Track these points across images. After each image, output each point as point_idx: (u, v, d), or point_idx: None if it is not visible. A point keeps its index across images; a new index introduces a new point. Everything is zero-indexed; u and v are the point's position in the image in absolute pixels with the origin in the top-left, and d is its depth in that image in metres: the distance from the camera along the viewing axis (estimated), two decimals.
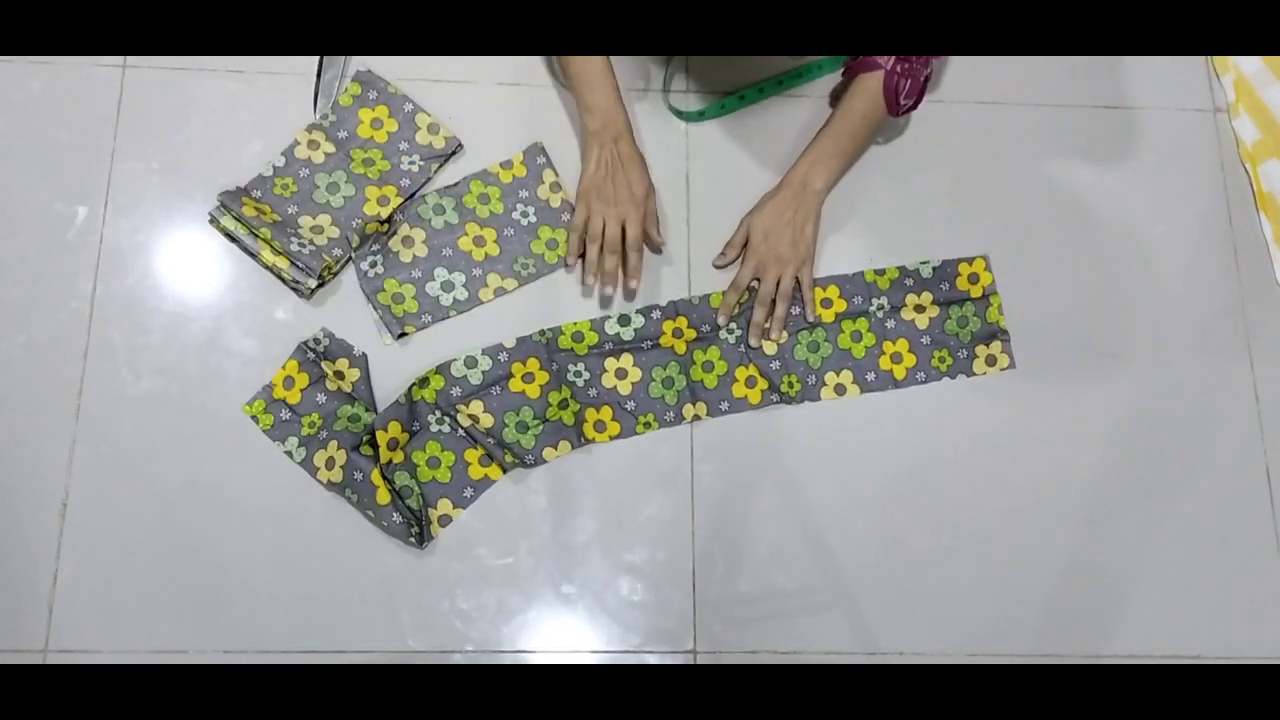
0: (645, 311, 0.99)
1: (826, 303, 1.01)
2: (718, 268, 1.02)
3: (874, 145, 1.07)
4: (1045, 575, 0.97)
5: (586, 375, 0.97)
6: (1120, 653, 0.96)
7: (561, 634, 0.92)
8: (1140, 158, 1.10)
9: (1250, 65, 1.13)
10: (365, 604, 0.91)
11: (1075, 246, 1.06)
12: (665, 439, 0.97)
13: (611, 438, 0.97)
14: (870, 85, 0.96)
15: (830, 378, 1.00)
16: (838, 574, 0.95)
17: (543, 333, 0.97)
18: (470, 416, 0.95)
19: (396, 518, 0.90)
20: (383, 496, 0.90)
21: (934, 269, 1.03)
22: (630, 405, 0.97)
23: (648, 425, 0.97)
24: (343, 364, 0.95)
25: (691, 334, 0.99)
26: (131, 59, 1.02)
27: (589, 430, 0.96)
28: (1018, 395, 1.02)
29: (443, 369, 0.95)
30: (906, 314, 1.02)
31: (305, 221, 0.98)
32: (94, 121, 1.00)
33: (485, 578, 0.92)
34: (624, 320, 0.99)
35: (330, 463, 0.92)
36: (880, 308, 1.02)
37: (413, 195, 1.01)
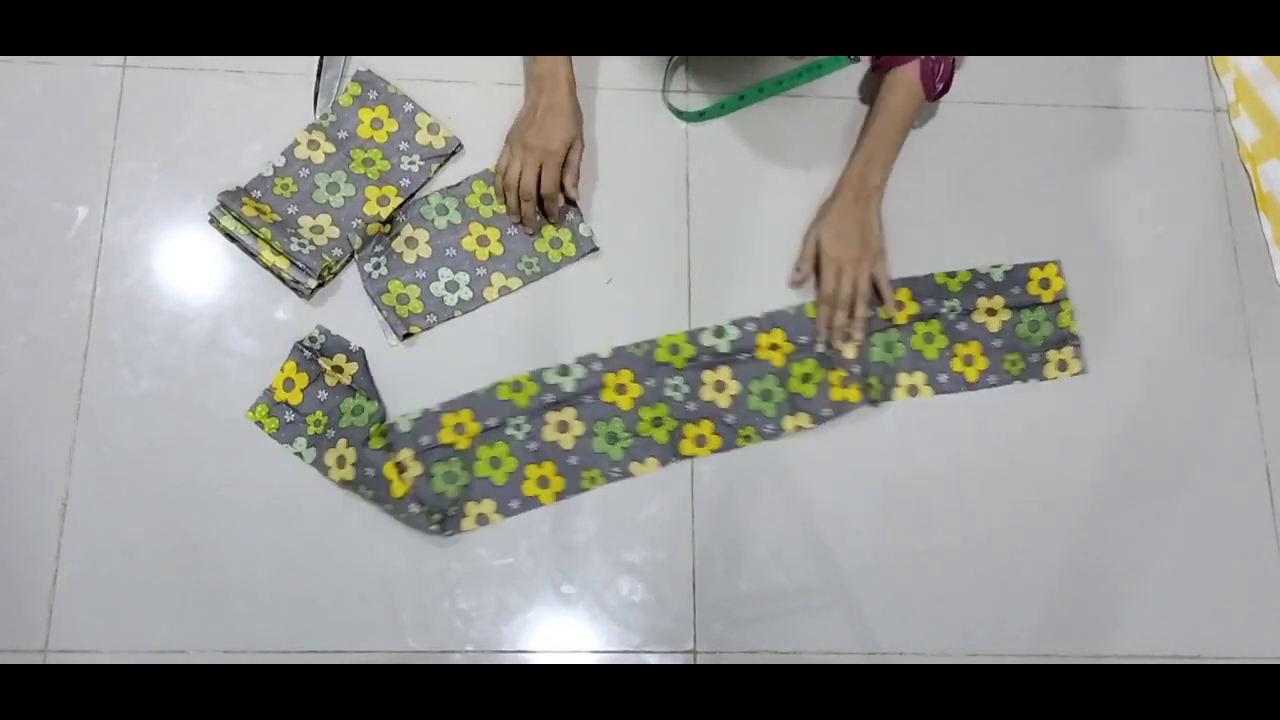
0: (740, 324, 0.99)
1: (899, 305, 1.01)
2: (795, 285, 1.01)
3: None
4: (1045, 575, 0.97)
5: (686, 389, 0.97)
6: (1120, 653, 0.96)
7: (561, 634, 0.92)
8: (1140, 158, 1.10)
9: (1250, 65, 1.13)
10: (365, 604, 0.91)
11: (1075, 247, 1.06)
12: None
13: (713, 451, 0.97)
14: (906, 77, 0.98)
15: (904, 379, 1.00)
16: (838, 574, 0.95)
17: (639, 345, 0.98)
18: (561, 424, 0.95)
19: (414, 508, 0.90)
20: (397, 489, 0.90)
21: (1005, 273, 1.03)
22: (730, 419, 0.97)
23: (748, 438, 0.97)
24: (340, 359, 0.95)
25: (789, 347, 0.99)
26: (131, 59, 1.02)
27: (688, 446, 0.96)
28: (1018, 396, 1.02)
29: (535, 375, 0.96)
30: (978, 317, 1.02)
31: (305, 221, 0.98)
32: (94, 121, 1.00)
33: (485, 578, 0.92)
34: (719, 332, 0.99)
35: (341, 461, 0.92)
36: (952, 310, 1.02)
37: (412, 195, 1.01)
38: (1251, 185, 1.10)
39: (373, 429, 0.92)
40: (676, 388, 0.97)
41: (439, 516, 0.91)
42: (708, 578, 0.94)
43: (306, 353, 0.94)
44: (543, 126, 0.95)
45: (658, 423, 0.96)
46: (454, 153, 1.02)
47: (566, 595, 0.93)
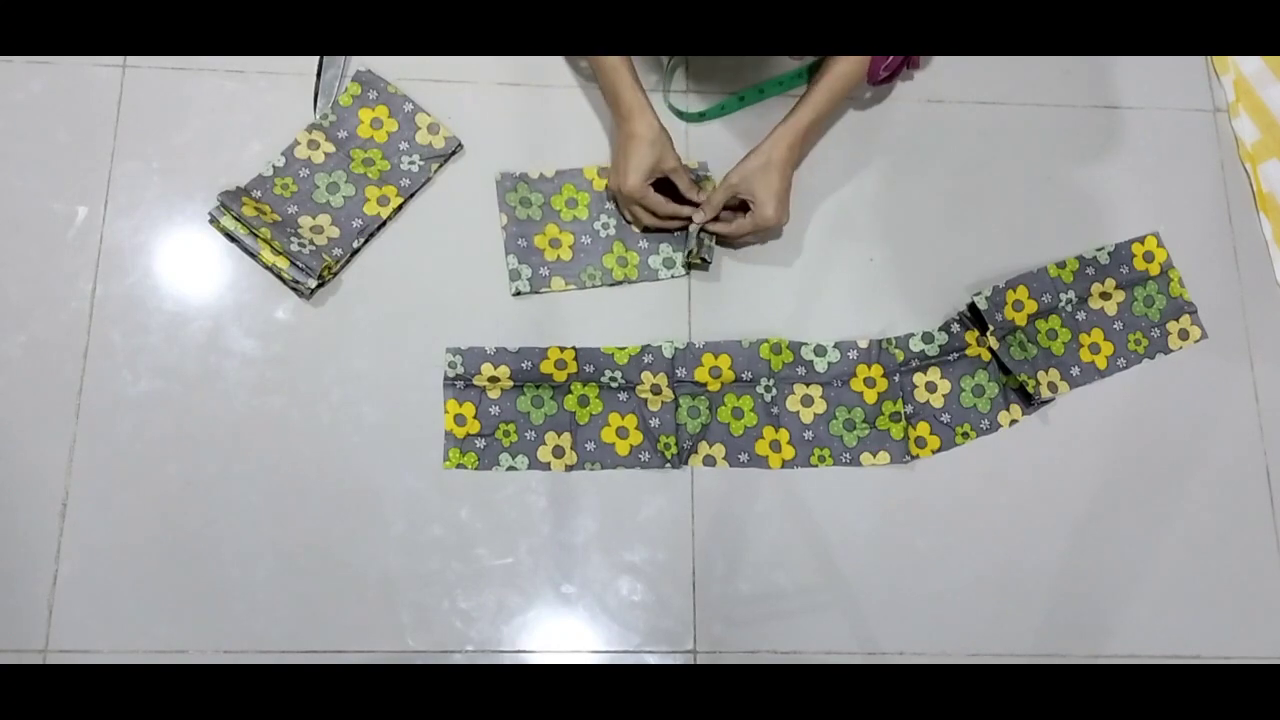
0: (946, 327, 1.00)
1: (1018, 305, 1.00)
2: (699, 222, 0.98)
3: (874, 145, 1.07)
4: (1045, 575, 0.97)
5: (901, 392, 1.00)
6: (1120, 653, 0.96)
7: (561, 634, 0.92)
8: (1140, 158, 1.10)
9: (1250, 65, 1.13)
10: (365, 604, 0.91)
11: (1075, 247, 1.06)
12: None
13: (934, 451, 0.98)
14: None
15: (1042, 376, 1.00)
16: (838, 574, 0.95)
17: (890, 341, 0.99)
18: (806, 398, 0.97)
19: (644, 456, 0.95)
20: (622, 449, 0.95)
21: (1109, 254, 1.05)
22: (945, 418, 0.99)
23: (965, 435, 0.99)
24: (487, 368, 0.95)
25: (993, 341, 0.99)
26: (131, 59, 1.02)
27: (913, 446, 0.98)
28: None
29: (794, 346, 0.98)
30: (1094, 303, 1.04)
31: (305, 221, 0.98)
32: (94, 121, 1.00)
33: (485, 578, 0.92)
34: (927, 338, 1.00)
35: (559, 450, 0.95)
36: (1069, 301, 1.03)
37: (412, 195, 1.01)
38: (1251, 185, 1.10)
39: (565, 400, 0.96)
40: (903, 387, 0.99)
41: (675, 449, 0.95)
42: (708, 578, 0.94)
43: (459, 383, 0.95)
44: (616, 168, 0.96)
45: (896, 418, 0.97)
46: (454, 152, 1.02)
47: (566, 595, 0.93)
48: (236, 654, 0.89)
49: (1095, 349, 1.02)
